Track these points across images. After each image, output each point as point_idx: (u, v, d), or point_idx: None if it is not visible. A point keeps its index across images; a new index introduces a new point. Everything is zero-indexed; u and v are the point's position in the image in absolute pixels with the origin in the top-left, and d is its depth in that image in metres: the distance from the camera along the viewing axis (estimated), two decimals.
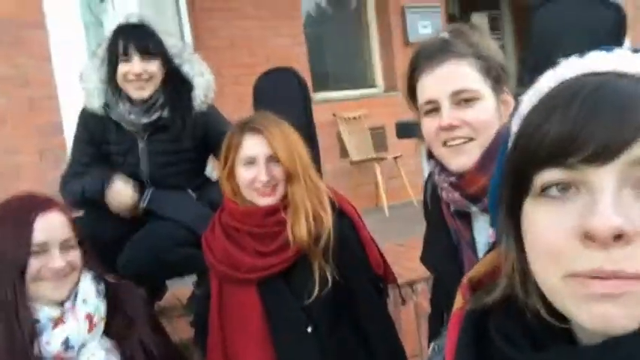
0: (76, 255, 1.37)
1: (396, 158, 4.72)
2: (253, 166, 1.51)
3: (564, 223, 0.49)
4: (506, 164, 0.56)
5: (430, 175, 1.37)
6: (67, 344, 1.29)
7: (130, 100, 1.91)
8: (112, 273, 1.53)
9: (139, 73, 1.86)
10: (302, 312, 1.49)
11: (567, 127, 0.49)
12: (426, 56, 1.13)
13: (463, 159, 1.11)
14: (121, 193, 1.88)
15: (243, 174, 1.52)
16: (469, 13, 6.50)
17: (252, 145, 1.51)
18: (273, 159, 1.51)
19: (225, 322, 1.55)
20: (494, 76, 1.11)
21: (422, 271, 2.05)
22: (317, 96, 4.92)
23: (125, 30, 1.92)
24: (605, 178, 0.48)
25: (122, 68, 1.87)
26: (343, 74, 5.47)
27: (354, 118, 4.98)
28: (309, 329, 1.49)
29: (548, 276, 0.51)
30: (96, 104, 1.93)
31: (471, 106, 1.09)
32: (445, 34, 1.15)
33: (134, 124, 1.92)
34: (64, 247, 1.35)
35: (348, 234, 1.54)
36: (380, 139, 5.12)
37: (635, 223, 0.46)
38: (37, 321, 1.30)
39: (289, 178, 1.52)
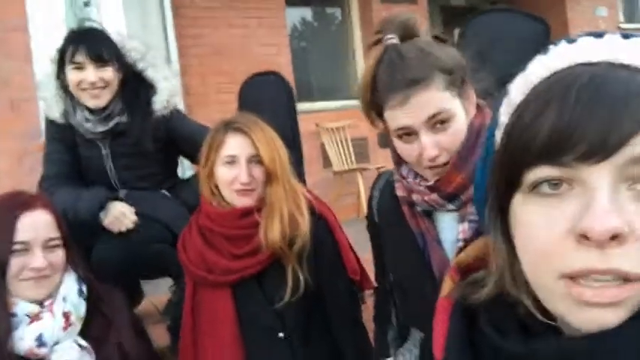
0: (59, 255, 1.36)
1: (378, 169, 4.74)
2: (234, 165, 1.49)
3: (559, 224, 0.47)
4: (497, 157, 0.55)
5: (376, 183, 1.34)
6: (40, 340, 1.28)
7: (87, 107, 1.86)
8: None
9: (93, 82, 1.80)
10: (274, 317, 1.48)
11: (562, 123, 0.47)
12: (389, 87, 1.06)
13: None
14: (125, 216, 1.82)
15: (224, 173, 1.50)
16: (451, 29, 6.59)
17: (235, 145, 1.50)
18: (254, 159, 1.50)
19: (198, 324, 1.54)
20: (459, 83, 1.08)
21: None
22: (300, 106, 4.88)
23: (76, 36, 1.86)
24: (600, 176, 0.46)
25: (75, 76, 1.81)
26: (327, 85, 5.50)
27: (337, 128, 5.00)
28: (281, 334, 1.48)
29: (541, 276, 0.50)
30: (56, 113, 1.88)
31: (446, 128, 1.06)
32: (394, 39, 1.08)
33: (92, 133, 1.88)
34: (47, 246, 1.34)
35: (324, 238, 1.53)
36: (362, 150, 5.15)
37: (631, 223, 0.45)
38: (14, 315, 1.29)
39: (268, 179, 1.50)
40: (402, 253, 1.23)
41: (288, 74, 4.84)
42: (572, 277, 0.47)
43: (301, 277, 1.47)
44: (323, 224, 1.54)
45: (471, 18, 1.56)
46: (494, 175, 0.54)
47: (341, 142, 5.01)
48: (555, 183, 0.48)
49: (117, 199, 1.85)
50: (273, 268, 1.49)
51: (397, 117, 1.07)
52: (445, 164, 1.09)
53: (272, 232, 1.45)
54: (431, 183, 1.11)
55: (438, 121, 1.06)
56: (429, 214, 1.17)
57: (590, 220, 0.45)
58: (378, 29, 1.12)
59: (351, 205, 4.89)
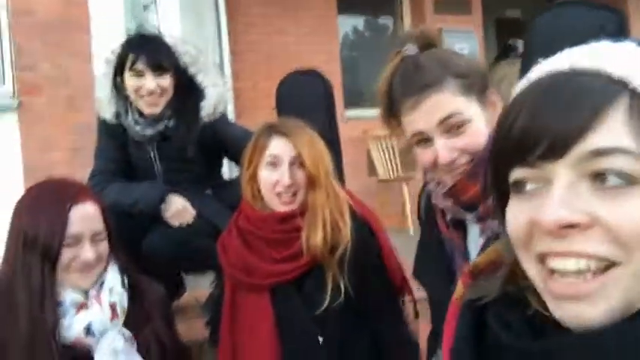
0: (104, 247, 1.38)
1: None
2: (277, 168, 1.49)
3: (524, 213, 0.52)
4: (487, 164, 0.59)
5: (424, 187, 1.32)
6: (88, 330, 1.30)
7: (138, 110, 1.90)
8: (137, 269, 1.53)
9: (152, 90, 1.83)
10: (313, 321, 1.45)
11: (526, 126, 0.51)
12: (402, 92, 1.07)
13: None
14: (187, 210, 1.86)
15: (266, 176, 1.50)
16: (506, 40, 6.46)
17: (278, 147, 1.49)
18: (297, 162, 1.49)
19: (236, 326, 1.53)
20: (478, 89, 1.07)
21: None
22: (348, 113, 4.93)
23: (136, 43, 1.89)
24: (558, 172, 0.50)
25: (134, 83, 1.84)
26: (376, 93, 5.48)
27: (384, 136, 4.96)
28: (320, 339, 1.46)
29: (524, 261, 0.54)
30: (108, 114, 1.93)
31: (463, 131, 1.05)
32: (412, 51, 1.10)
33: (141, 135, 1.92)
34: (95, 239, 1.35)
35: (368, 241, 1.50)
36: (409, 159, 5.09)
37: (592, 213, 0.48)
38: (62, 304, 1.31)
39: (311, 184, 1.49)
40: (430, 260, 1.22)
41: (338, 81, 4.86)
42: (544, 261, 0.51)
43: (342, 284, 1.44)
44: (365, 229, 1.52)
45: (534, 17, 1.49)
46: (489, 180, 0.59)
47: (387, 150, 4.97)
48: (531, 183, 0.52)
49: (175, 192, 1.89)
50: (314, 274, 1.47)
51: (411, 122, 1.07)
52: (467, 167, 1.07)
53: (314, 238, 1.43)
54: (446, 189, 1.09)
55: (452, 126, 1.05)
56: (461, 223, 1.14)
57: (540, 212, 0.49)
58: (401, 41, 1.15)
59: (395, 214, 4.84)
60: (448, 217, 1.15)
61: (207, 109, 1.90)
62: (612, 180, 0.48)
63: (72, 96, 3.57)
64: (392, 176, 4.87)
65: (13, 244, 1.31)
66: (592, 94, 0.49)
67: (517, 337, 0.54)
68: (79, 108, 3.55)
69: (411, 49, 1.10)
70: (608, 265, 0.48)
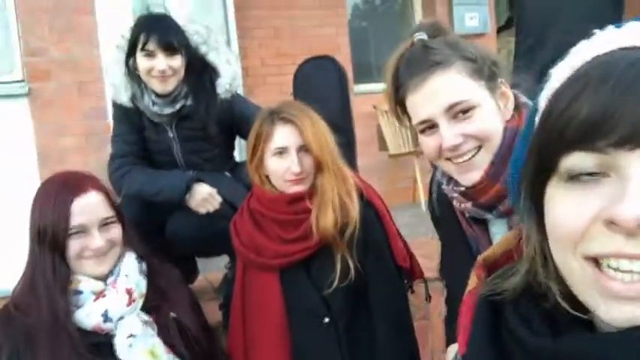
0: (116, 231, 1.42)
1: None
2: (284, 156, 1.50)
3: (589, 207, 0.46)
4: (532, 142, 0.53)
5: (432, 179, 1.31)
6: (105, 316, 1.34)
7: (154, 91, 1.91)
8: (153, 254, 1.56)
9: (163, 70, 1.84)
10: (320, 302, 1.48)
11: (598, 108, 0.45)
12: (408, 72, 1.05)
13: (474, 175, 1.05)
14: (214, 197, 1.88)
15: (275, 165, 1.51)
16: None
17: (284, 136, 1.50)
18: (303, 149, 1.50)
19: (246, 306, 1.57)
20: (488, 75, 1.03)
21: None
22: (358, 87, 4.88)
23: (147, 23, 1.89)
24: (635, 163, 0.44)
25: (145, 63, 1.86)
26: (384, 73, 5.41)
27: None
28: (326, 320, 1.48)
29: (567, 258, 0.49)
30: (124, 98, 1.94)
31: (470, 116, 1.01)
32: (423, 36, 1.07)
33: (159, 115, 1.93)
34: (103, 225, 1.39)
35: (373, 223, 1.52)
36: None
37: None
38: (80, 292, 1.36)
39: (319, 167, 1.51)
40: (455, 260, 1.20)
41: (347, 55, 4.80)
42: (598, 261, 0.47)
43: (351, 264, 1.46)
44: (371, 210, 1.53)
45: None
46: (531, 159, 0.53)
47: (398, 124, 4.92)
48: (591, 174, 0.47)
49: (200, 180, 1.90)
50: (322, 254, 1.49)
51: (417, 107, 1.04)
52: (474, 154, 1.04)
53: (325, 220, 1.45)
54: (463, 189, 1.07)
55: (460, 111, 1.01)
56: (482, 219, 1.12)
57: (620, 207, 0.44)
58: (412, 32, 1.12)
59: (406, 189, 4.82)
60: (467, 215, 1.14)
61: (222, 86, 1.93)
62: None
63: (81, 81, 3.57)
64: (403, 151, 4.84)
65: (31, 238, 1.37)
66: None
67: (538, 335, 0.51)
68: (89, 92, 3.56)
69: (420, 35, 1.09)
70: None
